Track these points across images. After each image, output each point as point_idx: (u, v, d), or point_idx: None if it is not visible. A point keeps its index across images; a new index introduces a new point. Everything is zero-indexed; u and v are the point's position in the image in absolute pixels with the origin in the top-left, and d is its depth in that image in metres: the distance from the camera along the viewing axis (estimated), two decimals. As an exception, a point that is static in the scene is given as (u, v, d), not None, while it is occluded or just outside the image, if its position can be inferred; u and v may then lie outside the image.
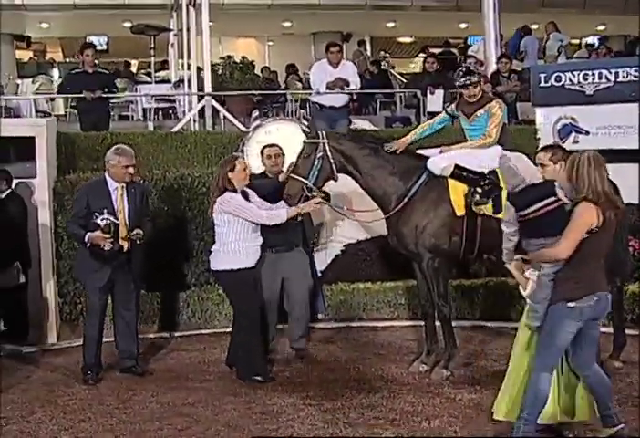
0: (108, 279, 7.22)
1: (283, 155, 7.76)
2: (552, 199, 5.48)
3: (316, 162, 7.18)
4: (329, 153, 7.18)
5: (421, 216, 7.23)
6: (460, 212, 7.23)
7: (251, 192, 7.21)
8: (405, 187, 7.29)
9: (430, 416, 6.09)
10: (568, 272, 5.23)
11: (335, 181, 7.35)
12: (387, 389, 6.78)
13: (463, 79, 7.47)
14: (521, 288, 5.64)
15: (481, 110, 7.46)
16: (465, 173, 7.30)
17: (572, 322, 5.22)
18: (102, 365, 7.33)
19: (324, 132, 7.37)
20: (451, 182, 7.30)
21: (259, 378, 7.03)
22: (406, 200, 7.24)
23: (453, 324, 7.46)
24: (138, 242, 7.17)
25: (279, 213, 7.10)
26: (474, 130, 7.55)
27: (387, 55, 20.72)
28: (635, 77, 9.73)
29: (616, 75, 9.84)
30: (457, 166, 7.28)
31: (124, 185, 7.24)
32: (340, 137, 7.43)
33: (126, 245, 7.14)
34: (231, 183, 6.99)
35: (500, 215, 7.00)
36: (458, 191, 7.27)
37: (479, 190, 7.23)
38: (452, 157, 7.39)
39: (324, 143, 7.19)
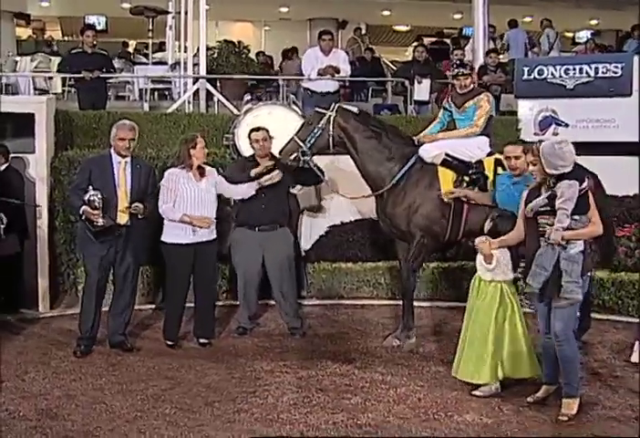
0: (107, 253, 7.34)
1: (271, 139, 8.03)
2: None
3: (316, 131, 7.60)
4: (331, 127, 7.60)
5: (414, 198, 7.61)
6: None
7: (209, 170, 7.68)
8: (396, 168, 7.67)
9: (398, 385, 6.53)
10: (588, 248, 5.81)
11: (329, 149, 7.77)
12: (360, 360, 7.21)
13: (456, 70, 7.89)
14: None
15: (470, 102, 7.83)
16: (454, 162, 7.68)
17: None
18: (95, 339, 7.50)
19: (336, 106, 7.75)
20: (441, 169, 7.68)
21: (169, 342, 7.62)
22: (393, 181, 7.62)
23: (429, 304, 7.87)
24: (139, 216, 7.34)
25: (231, 189, 7.76)
26: (463, 120, 7.91)
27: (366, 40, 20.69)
28: (615, 72, 10.09)
29: (596, 70, 10.20)
30: (447, 154, 7.66)
31: (128, 161, 7.45)
32: (349, 114, 7.75)
33: (125, 219, 7.34)
34: (191, 159, 7.47)
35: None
36: (447, 178, 7.65)
37: (466, 178, 7.62)
38: (443, 146, 7.75)
39: (330, 116, 7.62)
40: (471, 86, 7.95)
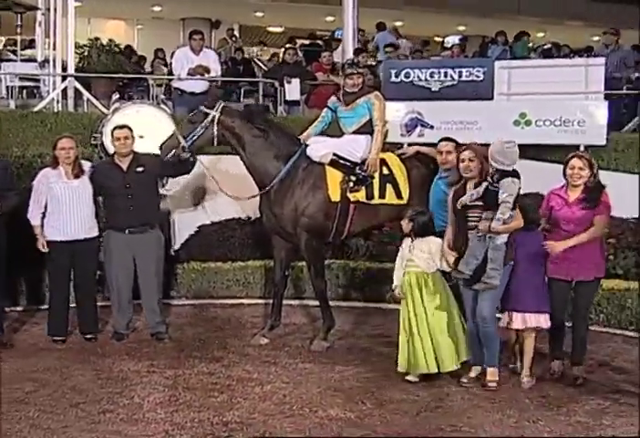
0: None
1: (134, 138, 7.92)
2: None
3: (199, 129, 7.61)
4: (215, 126, 7.61)
5: (301, 199, 7.66)
6: (335, 198, 7.71)
7: (88, 169, 7.78)
8: (281, 166, 7.72)
9: (264, 382, 6.61)
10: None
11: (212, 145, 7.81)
12: (227, 358, 7.27)
13: (349, 70, 7.99)
14: (446, 263, 6.66)
15: (360, 100, 7.94)
16: (342, 161, 7.78)
17: None
18: None
19: (221, 105, 7.74)
20: (328, 169, 7.76)
21: (56, 338, 7.69)
22: (278, 179, 7.67)
23: (298, 303, 8.04)
24: None
25: None
26: (350, 118, 7.98)
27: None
28: (477, 77, 10.40)
29: (460, 74, 10.46)
30: (334, 154, 7.76)
31: None
32: (234, 113, 7.81)
33: None
34: (57, 160, 7.58)
35: (372, 201, 7.72)
36: (334, 178, 7.74)
37: (353, 178, 7.73)
38: (330, 145, 7.85)
39: (214, 116, 7.62)
40: (361, 85, 8.04)
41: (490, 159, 6.33)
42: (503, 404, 6.17)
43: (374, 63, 14.15)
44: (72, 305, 7.95)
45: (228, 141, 7.76)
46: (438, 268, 6.75)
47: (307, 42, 21.30)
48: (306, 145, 7.86)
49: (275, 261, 8.07)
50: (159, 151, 7.72)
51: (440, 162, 7.47)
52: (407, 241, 6.90)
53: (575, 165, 6.51)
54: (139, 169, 7.81)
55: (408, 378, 6.68)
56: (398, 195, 7.85)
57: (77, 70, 12.40)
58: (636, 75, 13.41)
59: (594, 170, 6.53)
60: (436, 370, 6.64)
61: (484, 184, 6.39)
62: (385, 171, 7.85)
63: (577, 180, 6.51)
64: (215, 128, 7.63)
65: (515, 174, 6.33)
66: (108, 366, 7.03)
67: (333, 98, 8.23)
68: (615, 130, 10.42)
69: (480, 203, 6.39)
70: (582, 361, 6.78)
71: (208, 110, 7.68)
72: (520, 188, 6.34)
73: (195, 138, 7.62)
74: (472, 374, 6.71)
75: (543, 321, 6.57)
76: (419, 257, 6.76)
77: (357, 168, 7.76)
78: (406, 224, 6.82)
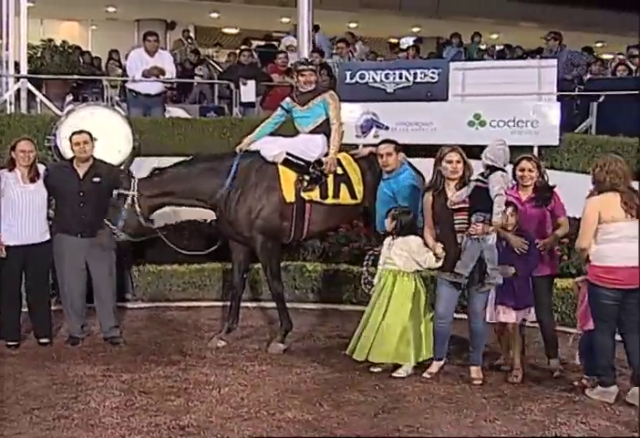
0: None
1: (92, 141, 7.83)
2: None
3: (123, 213, 7.54)
4: (137, 206, 7.54)
5: (255, 202, 7.63)
6: (290, 198, 7.68)
7: (43, 172, 7.66)
8: (224, 180, 7.67)
9: (221, 385, 6.58)
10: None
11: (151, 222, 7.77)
12: (184, 362, 7.22)
13: (301, 67, 8.02)
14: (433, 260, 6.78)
15: (315, 100, 7.93)
16: (295, 161, 7.76)
17: None
18: None
19: (136, 182, 7.60)
20: (282, 168, 7.74)
21: (10, 343, 7.62)
22: (222, 191, 7.62)
23: (255, 305, 8.03)
24: None
25: None
26: (306, 117, 7.97)
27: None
28: (432, 78, 10.48)
29: (415, 75, 10.55)
30: (288, 153, 7.74)
31: None
32: (148, 182, 7.67)
33: None
34: (14, 162, 7.49)
35: (327, 201, 7.72)
36: (288, 178, 7.72)
37: (306, 177, 7.71)
38: (283, 145, 7.84)
39: (132, 196, 7.53)
40: (314, 85, 8.05)
41: (483, 158, 6.59)
42: (460, 404, 6.21)
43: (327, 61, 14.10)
44: (25, 309, 7.85)
45: (164, 204, 7.80)
46: (418, 268, 6.88)
47: (263, 43, 21.25)
48: (242, 153, 7.82)
49: (234, 264, 8.04)
50: (114, 155, 7.68)
51: (381, 165, 7.47)
52: (387, 239, 7.00)
53: (525, 167, 6.84)
54: (96, 179, 7.71)
55: (373, 369, 6.91)
56: (352, 195, 7.87)
57: (29, 72, 12.23)
58: (588, 76, 13.59)
59: (542, 170, 6.91)
60: (392, 360, 6.89)
61: (472, 184, 6.58)
62: (339, 170, 7.86)
63: (528, 181, 6.84)
64: (138, 208, 7.55)
65: (504, 170, 6.59)
66: (62, 371, 6.95)
67: (287, 98, 8.21)
68: (568, 131, 10.54)
69: (466, 206, 6.56)
70: (556, 354, 7.01)
71: (125, 192, 7.55)
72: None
73: (122, 223, 7.55)
74: (434, 369, 6.85)
75: (531, 315, 6.86)
76: (399, 256, 6.88)
77: (311, 167, 7.75)
78: (389, 223, 6.91)
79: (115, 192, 7.55)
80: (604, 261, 6.19)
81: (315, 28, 17.58)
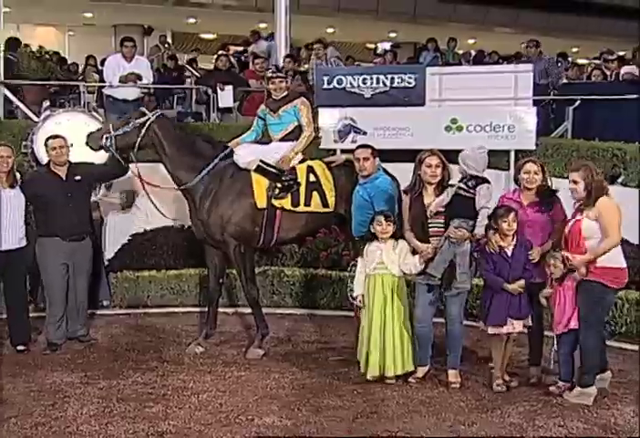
0: None
1: (68, 146, 7.91)
2: None
3: (130, 125, 7.70)
4: (144, 128, 7.67)
5: (227, 206, 7.66)
6: (262, 204, 7.70)
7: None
8: (197, 172, 7.75)
9: (200, 391, 6.57)
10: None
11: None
12: (162, 368, 7.21)
13: (272, 74, 8.10)
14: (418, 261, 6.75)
15: (286, 107, 7.99)
16: (268, 168, 7.78)
17: None
18: None
19: (159, 112, 7.91)
20: (255, 175, 7.76)
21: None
22: (197, 179, 7.71)
23: (232, 310, 8.00)
24: None
25: None
26: (279, 124, 8.04)
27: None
28: (409, 83, 10.48)
29: (392, 80, 10.54)
30: (261, 161, 7.76)
31: None
32: (167, 123, 7.93)
33: None
34: None
35: (298, 209, 7.73)
36: (260, 184, 7.74)
37: (279, 184, 7.73)
38: (256, 152, 7.87)
39: (148, 118, 7.70)
40: (286, 92, 8.12)
41: (460, 164, 6.64)
42: (439, 408, 6.22)
43: (303, 69, 14.07)
44: (2, 316, 7.82)
45: (153, 145, 7.80)
46: (408, 272, 6.85)
47: (240, 49, 21.22)
48: (232, 150, 7.90)
49: (209, 269, 8.05)
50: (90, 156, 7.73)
51: (358, 169, 7.45)
52: (373, 244, 6.91)
53: (530, 170, 6.74)
54: (77, 178, 7.86)
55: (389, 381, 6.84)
56: (324, 203, 7.86)
57: (6, 77, 12.16)
58: (564, 81, 13.67)
59: (546, 174, 6.79)
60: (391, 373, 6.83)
61: (450, 189, 6.61)
62: (312, 178, 7.87)
63: (532, 184, 6.72)
64: (144, 130, 7.66)
65: (488, 181, 6.65)
66: (40, 378, 6.92)
67: (262, 106, 8.30)
68: (544, 135, 10.59)
69: (442, 210, 6.62)
70: (539, 362, 6.98)
71: (147, 112, 7.79)
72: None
73: (122, 132, 7.68)
74: (419, 374, 6.87)
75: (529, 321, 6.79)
76: (393, 260, 6.83)
77: (283, 175, 7.76)
78: (385, 227, 6.83)
79: (141, 108, 7.97)
80: (621, 262, 6.33)
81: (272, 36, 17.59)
